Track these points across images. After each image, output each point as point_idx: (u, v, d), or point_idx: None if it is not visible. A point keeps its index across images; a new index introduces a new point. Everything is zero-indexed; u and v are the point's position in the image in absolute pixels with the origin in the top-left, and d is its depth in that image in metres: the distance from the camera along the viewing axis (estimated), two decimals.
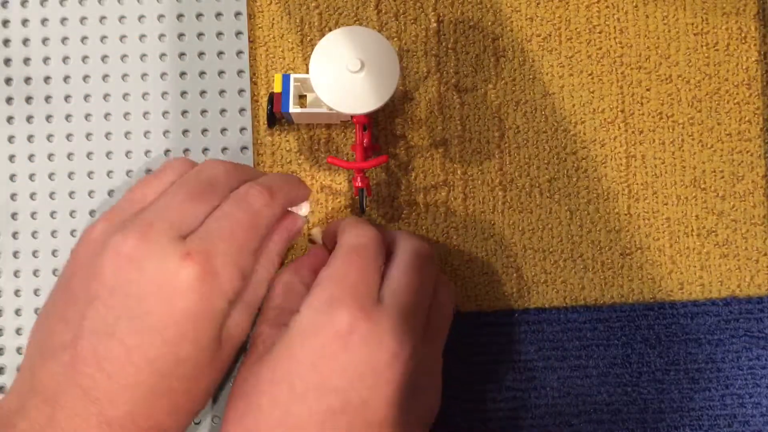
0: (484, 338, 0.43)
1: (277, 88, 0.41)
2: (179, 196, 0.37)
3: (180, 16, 0.44)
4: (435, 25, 0.44)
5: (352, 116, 0.40)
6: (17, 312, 0.43)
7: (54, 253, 0.43)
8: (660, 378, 0.43)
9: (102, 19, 0.44)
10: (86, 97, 0.44)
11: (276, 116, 0.43)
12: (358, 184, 0.40)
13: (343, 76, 0.37)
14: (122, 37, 0.44)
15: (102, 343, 0.34)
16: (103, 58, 0.44)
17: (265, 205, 0.38)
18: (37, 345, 0.36)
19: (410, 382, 0.35)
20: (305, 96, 0.42)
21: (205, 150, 0.43)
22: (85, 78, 0.44)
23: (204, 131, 0.44)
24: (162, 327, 0.34)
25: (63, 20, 0.44)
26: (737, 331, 0.43)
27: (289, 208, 0.41)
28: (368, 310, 0.34)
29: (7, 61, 0.44)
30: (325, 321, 0.34)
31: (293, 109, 0.41)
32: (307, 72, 0.43)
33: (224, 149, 0.44)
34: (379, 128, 0.44)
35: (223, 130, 0.44)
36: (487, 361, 0.43)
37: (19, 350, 0.42)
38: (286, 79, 0.41)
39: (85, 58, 0.44)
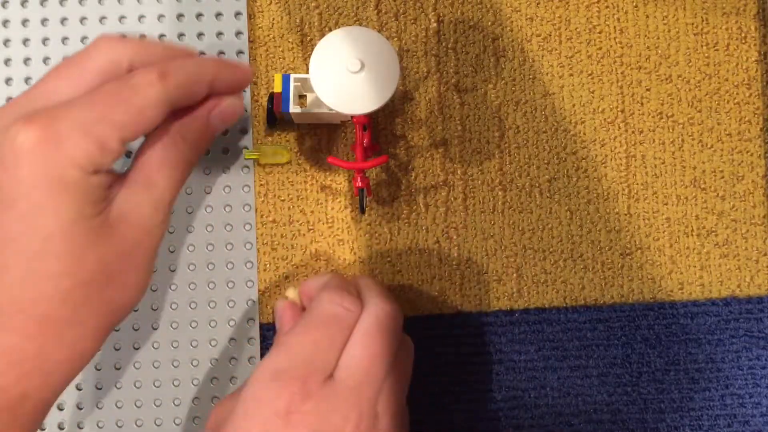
0: (484, 338, 0.43)
1: (277, 88, 0.41)
2: (57, 76, 0.34)
3: (180, 16, 0.44)
4: (435, 25, 0.44)
5: (352, 116, 0.40)
6: None
7: None
8: (660, 378, 0.43)
9: (102, 19, 0.44)
10: None
11: (276, 116, 0.43)
12: (359, 184, 0.40)
13: (343, 77, 0.37)
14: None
15: None
16: None
17: (149, 84, 0.33)
18: None
19: None
20: (305, 96, 0.42)
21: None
22: None
23: None
24: (12, 201, 0.32)
25: (63, 20, 0.44)
26: (737, 331, 0.43)
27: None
28: (312, 389, 0.34)
29: (7, 61, 0.44)
30: (266, 397, 0.34)
31: (293, 108, 0.41)
32: (307, 72, 0.43)
33: (224, 150, 0.44)
34: (379, 128, 0.44)
35: (223, 131, 0.44)
36: (487, 361, 0.43)
37: None
38: (286, 79, 0.41)
39: None
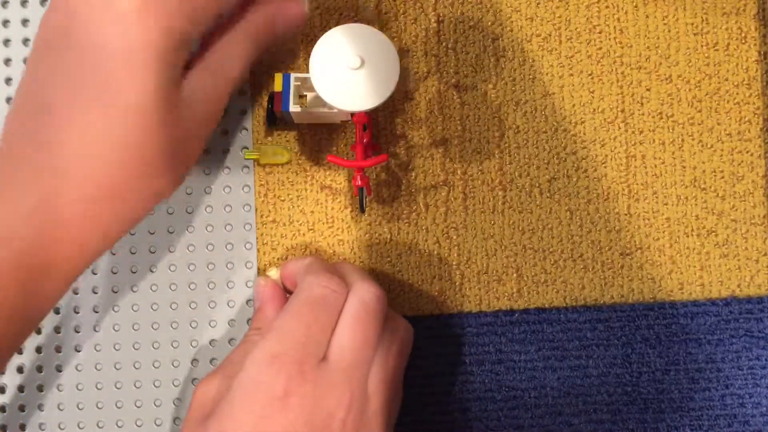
0: (484, 338, 0.43)
1: (278, 87, 0.41)
2: None
3: None
4: (435, 25, 0.44)
5: (352, 116, 0.40)
6: None
7: None
8: (660, 378, 0.43)
9: None
10: None
11: (276, 115, 0.43)
12: (358, 183, 0.40)
13: (343, 73, 0.37)
14: None
15: (55, 93, 0.33)
16: None
17: None
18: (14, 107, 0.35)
19: (356, 429, 0.35)
20: (305, 95, 0.42)
21: (205, 150, 0.43)
22: None
23: None
24: (102, 62, 0.32)
25: None
26: (737, 331, 0.43)
27: None
28: (307, 372, 0.35)
29: (7, 61, 0.44)
30: (264, 381, 0.35)
31: (293, 108, 0.41)
32: (307, 71, 0.43)
33: (225, 150, 0.44)
34: (379, 128, 0.44)
35: (224, 132, 0.44)
36: (487, 361, 0.43)
37: None
38: (286, 78, 0.41)
39: None
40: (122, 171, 0.33)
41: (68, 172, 0.33)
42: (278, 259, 0.43)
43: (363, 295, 0.37)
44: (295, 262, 0.41)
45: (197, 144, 0.36)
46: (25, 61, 0.44)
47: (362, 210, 0.42)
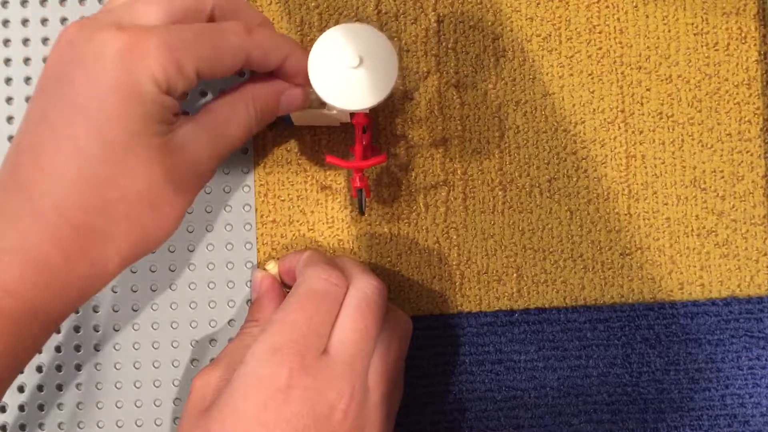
0: (484, 338, 0.43)
1: None
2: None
3: None
4: (435, 25, 0.44)
5: (351, 117, 0.40)
6: None
7: None
8: (660, 378, 0.43)
9: None
10: None
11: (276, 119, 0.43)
12: (357, 184, 0.40)
13: (341, 72, 0.37)
14: None
15: (36, 132, 0.33)
16: None
17: (234, 32, 0.36)
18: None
19: (357, 421, 0.35)
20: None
21: None
22: None
23: None
24: (85, 103, 0.33)
25: (63, 20, 0.44)
26: (737, 331, 0.43)
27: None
28: (309, 365, 0.35)
29: (8, 61, 0.44)
30: (266, 374, 0.34)
31: None
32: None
33: None
34: (379, 128, 0.44)
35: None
36: (487, 361, 0.43)
37: None
38: None
39: None
40: (101, 213, 0.33)
41: (45, 215, 0.33)
42: (278, 259, 0.43)
43: (364, 287, 0.37)
44: (294, 255, 0.42)
45: (188, 193, 0.36)
46: (25, 61, 0.44)
47: (361, 212, 0.42)
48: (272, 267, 0.42)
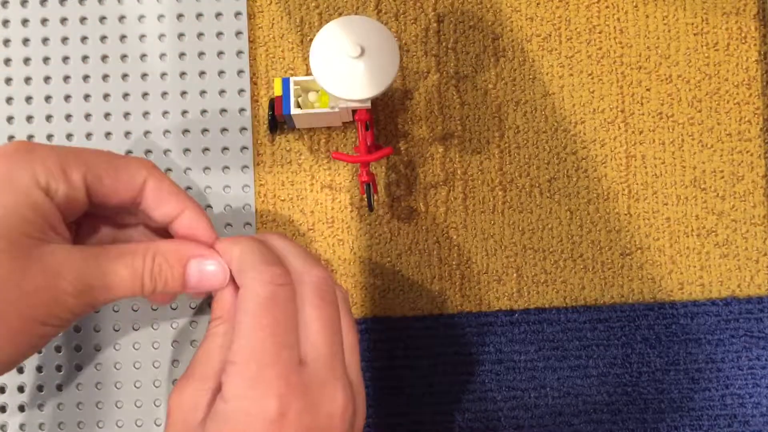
0: (484, 338, 0.43)
1: (277, 91, 0.41)
2: None
3: (180, 16, 0.44)
4: (435, 24, 0.44)
5: (353, 114, 0.39)
6: None
7: None
8: (660, 378, 0.43)
9: (102, 19, 0.44)
10: (86, 97, 0.44)
11: (278, 120, 0.43)
12: (364, 178, 0.40)
13: (343, 63, 0.37)
14: (122, 37, 0.44)
15: None
16: (103, 58, 0.44)
17: (140, 164, 0.36)
18: None
19: (353, 413, 0.34)
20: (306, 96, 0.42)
21: (204, 150, 0.43)
22: (85, 78, 0.44)
23: (204, 131, 0.44)
24: None
25: (63, 20, 0.44)
26: (737, 331, 0.43)
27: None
28: (293, 384, 0.33)
29: (8, 61, 0.44)
30: (253, 408, 0.32)
31: (294, 110, 0.41)
32: (307, 74, 0.43)
33: (224, 149, 0.44)
34: (380, 128, 0.44)
35: (223, 130, 0.44)
36: (487, 361, 0.43)
37: None
38: (285, 82, 0.41)
39: (85, 58, 0.44)
40: None
41: None
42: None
43: (312, 281, 0.35)
44: (226, 251, 0.37)
45: (34, 322, 0.33)
46: (25, 61, 0.44)
47: (370, 208, 0.41)
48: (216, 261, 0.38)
